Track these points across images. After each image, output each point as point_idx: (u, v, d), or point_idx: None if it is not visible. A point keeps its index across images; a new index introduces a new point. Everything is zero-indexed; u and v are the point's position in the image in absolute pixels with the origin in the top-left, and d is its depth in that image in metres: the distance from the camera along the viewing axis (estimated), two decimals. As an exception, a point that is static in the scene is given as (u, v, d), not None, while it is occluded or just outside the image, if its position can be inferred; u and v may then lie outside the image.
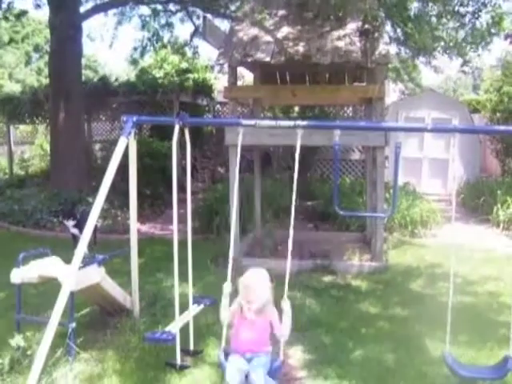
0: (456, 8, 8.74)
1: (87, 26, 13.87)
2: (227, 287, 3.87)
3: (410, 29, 8.56)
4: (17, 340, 4.34)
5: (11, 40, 30.45)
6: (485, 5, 8.79)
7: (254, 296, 3.78)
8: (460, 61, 10.14)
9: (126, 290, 5.15)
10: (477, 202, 11.39)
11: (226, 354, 3.75)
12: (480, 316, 5.51)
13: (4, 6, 12.51)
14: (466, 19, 8.95)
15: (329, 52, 7.13)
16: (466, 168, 13.64)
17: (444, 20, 8.88)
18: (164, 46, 14.72)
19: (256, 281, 3.90)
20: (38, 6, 12.97)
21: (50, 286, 4.82)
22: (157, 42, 14.32)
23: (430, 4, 8.62)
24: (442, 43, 9.55)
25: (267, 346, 3.86)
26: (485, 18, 9.06)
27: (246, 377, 3.63)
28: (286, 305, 3.92)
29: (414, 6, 8.89)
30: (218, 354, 3.85)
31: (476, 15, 8.86)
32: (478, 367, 4.00)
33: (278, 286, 6.47)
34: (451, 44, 9.51)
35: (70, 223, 7.87)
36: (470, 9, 8.82)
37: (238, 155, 4.10)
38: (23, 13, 13.29)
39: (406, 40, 9.30)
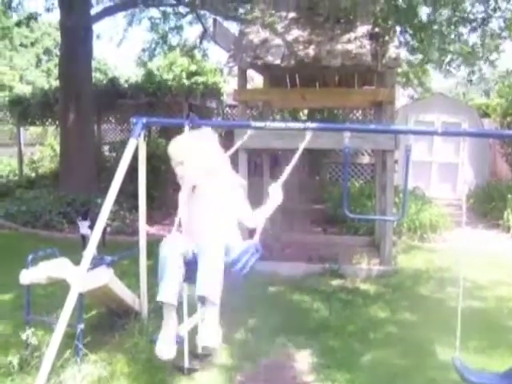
0: (465, 15, 8.68)
1: (97, 27, 14.01)
2: None
3: (420, 40, 8.50)
4: (27, 334, 4.36)
5: (21, 44, 30.72)
6: (494, 10, 8.72)
7: (184, 167, 3.07)
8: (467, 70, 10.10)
9: (135, 291, 5.14)
10: (487, 207, 11.32)
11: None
12: (490, 321, 5.47)
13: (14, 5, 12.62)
14: (477, 25, 8.89)
15: (339, 55, 7.11)
16: (475, 172, 13.57)
17: (454, 27, 8.80)
18: (173, 49, 14.76)
19: (182, 146, 3.13)
20: (49, 10, 13.05)
21: (59, 287, 4.84)
22: (165, 44, 14.39)
23: (440, 10, 8.55)
24: (449, 56, 9.49)
25: (228, 231, 3.22)
26: (495, 24, 9.01)
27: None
28: (275, 187, 3.27)
29: (424, 11, 8.83)
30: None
31: (485, 22, 8.80)
32: (487, 373, 3.96)
33: (288, 289, 6.52)
34: (460, 58, 9.45)
35: (85, 224, 7.88)
36: (480, 16, 8.76)
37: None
38: (34, 17, 13.34)
39: (414, 50, 9.25)
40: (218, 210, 3.17)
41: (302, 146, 3.57)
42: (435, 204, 10.69)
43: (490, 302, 6.16)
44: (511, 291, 6.45)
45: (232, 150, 3.85)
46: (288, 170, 3.35)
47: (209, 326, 3.10)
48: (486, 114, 16.01)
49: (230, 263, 3.06)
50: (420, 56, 9.66)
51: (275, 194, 3.26)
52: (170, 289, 3.23)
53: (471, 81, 10.43)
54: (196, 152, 3.11)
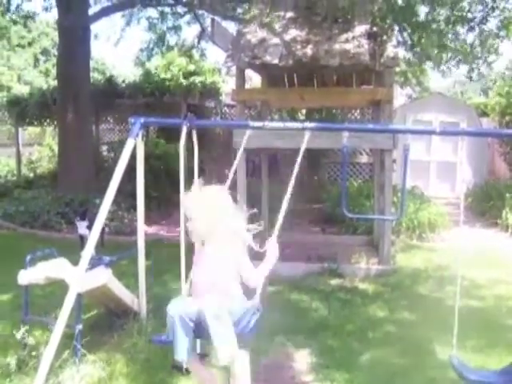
0: (464, 14, 8.67)
1: (95, 27, 13.97)
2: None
3: (418, 37, 8.49)
4: (22, 333, 4.36)
5: (18, 45, 30.72)
6: (493, 9, 8.73)
7: (196, 220, 3.08)
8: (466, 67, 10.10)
9: (134, 292, 5.14)
10: (485, 206, 11.33)
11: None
12: (488, 320, 5.47)
13: (12, 8, 12.63)
14: (475, 24, 8.89)
15: (337, 54, 7.11)
16: (474, 171, 13.58)
17: (452, 26, 8.79)
18: (171, 49, 14.75)
19: (197, 199, 3.16)
20: (47, 9, 13.05)
21: (57, 287, 4.83)
22: (163, 45, 14.37)
23: (438, 9, 8.54)
24: (449, 54, 9.49)
25: (231, 292, 3.18)
26: (493, 23, 9.02)
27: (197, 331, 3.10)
28: (271, 243, 3.28)
29: (423, 10, 8.83)
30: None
31: (484, 20, 8.80)
32: (485, 371, 3.97)
33: (287, 289, 6.52)
34: (459, 57, 9.45)
35: (83, 224, 7.88)
36: (478, 14, 8.76)
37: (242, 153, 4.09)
38: (31, 15, 13.36)
39: (412, 47, 9.24)
40: (222, 268, 3.16)
41: (302, 149, 3.61)
42: (434, 203, 10.70)
43: (489, 301, 6.16)
44: (510, 290, 6.45)
45: (237, 158, 3.84)
46: (284, 206, 3.54)
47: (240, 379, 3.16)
48: (484, 113, 16.02)
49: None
50: (417, 54, 9.65)
51: (272, 249, 3.27)
52: (185, 347, 3.12)
53: (471, 77, 10.43)
54: (202, 209, 3.13)
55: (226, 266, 3.15)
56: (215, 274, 3.14)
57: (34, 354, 4.24)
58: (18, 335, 4.37)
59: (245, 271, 3.18)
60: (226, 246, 3.15)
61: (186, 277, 4.09)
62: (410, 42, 8.98)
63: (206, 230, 3.13)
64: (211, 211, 3.13)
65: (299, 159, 3.53)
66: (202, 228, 3.12)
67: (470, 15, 8.60)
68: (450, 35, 8.72)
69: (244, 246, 3.21)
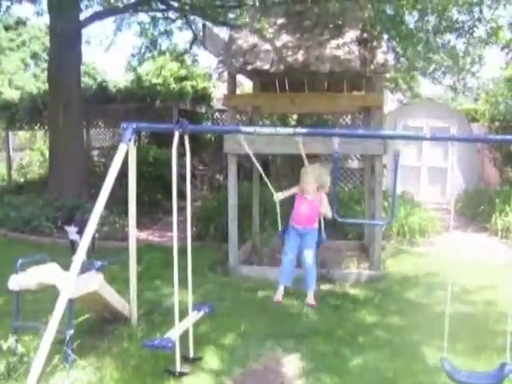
0: (452, 23, 8.74)
1: (86, 32, 13.87)
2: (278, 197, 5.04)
3: (404, 48, 8.54)
4: (10, 342, 4.33)
5: (9, 49, 30.61)
6: (480, 20, 8.80)
7: (313, 180, 4.80)
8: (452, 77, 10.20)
9: (124, 297, 5.14)
10: (475, 211, 11.39)
11: (284, 230, 5.09)
12: (478, 325, 5.50)
13: (3, 9, 12.59)
14: (463, 32, 8.95)
15: (327, 60, 7.15)
16: (464, 177, 13.66)
17: (440, 34, 8.84)
18: (163, 54, 14.75)
19: (314, 169, 4.86)
20: (38, 14, 13.01)
21: (48, 293, 4.81)
22: (155, 49, 14.38)
23: (427, 18, 8.59)
24: (434, 66, 9.57)
25: (316, 224, 4.98)
26: (482, 30, 9.09)
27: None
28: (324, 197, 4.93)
29: (411, 20, 8.87)
30: (278, 232, 5.24)
31: (471, 30, 8.87)
32: (475, 373, 4.00)
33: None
34: (442, 69, 9.53)
35: (73, 229, 7.86)
36: (466, 24, 8.83)
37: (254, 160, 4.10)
38: (22, 22, 13.37)
39: (400, 56, 9.31)
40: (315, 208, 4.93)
41: (303, 154, 4.53)
42: (424, 208, 10.74)
43: (479, 306, 6.18)
44: (499, 295, 6.47)
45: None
46: None
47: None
48: (474, 119, 16.11)
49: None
50: (406, 63, 9.72)
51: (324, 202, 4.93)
52: (291, 252, 5.03)
53: (456, 89, 10.53)
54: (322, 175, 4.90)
55: (318, 207, 4.89)
56: (312, 212, 4.92)
57: (24, 359, 4.22)
58: (5, 345, 4.33)
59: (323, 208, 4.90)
60: (320, 194, 4.89)
61: (179, 281, 4.12)
62: (397, 51, 9.03)
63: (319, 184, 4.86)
64: (324, 177, 4.88)
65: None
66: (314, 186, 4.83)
67: (457, 25, 8.67)
68: (436, 45, 8.78)
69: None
